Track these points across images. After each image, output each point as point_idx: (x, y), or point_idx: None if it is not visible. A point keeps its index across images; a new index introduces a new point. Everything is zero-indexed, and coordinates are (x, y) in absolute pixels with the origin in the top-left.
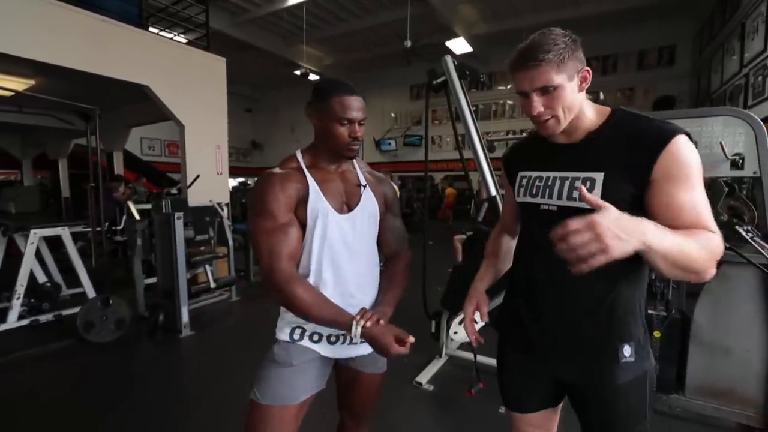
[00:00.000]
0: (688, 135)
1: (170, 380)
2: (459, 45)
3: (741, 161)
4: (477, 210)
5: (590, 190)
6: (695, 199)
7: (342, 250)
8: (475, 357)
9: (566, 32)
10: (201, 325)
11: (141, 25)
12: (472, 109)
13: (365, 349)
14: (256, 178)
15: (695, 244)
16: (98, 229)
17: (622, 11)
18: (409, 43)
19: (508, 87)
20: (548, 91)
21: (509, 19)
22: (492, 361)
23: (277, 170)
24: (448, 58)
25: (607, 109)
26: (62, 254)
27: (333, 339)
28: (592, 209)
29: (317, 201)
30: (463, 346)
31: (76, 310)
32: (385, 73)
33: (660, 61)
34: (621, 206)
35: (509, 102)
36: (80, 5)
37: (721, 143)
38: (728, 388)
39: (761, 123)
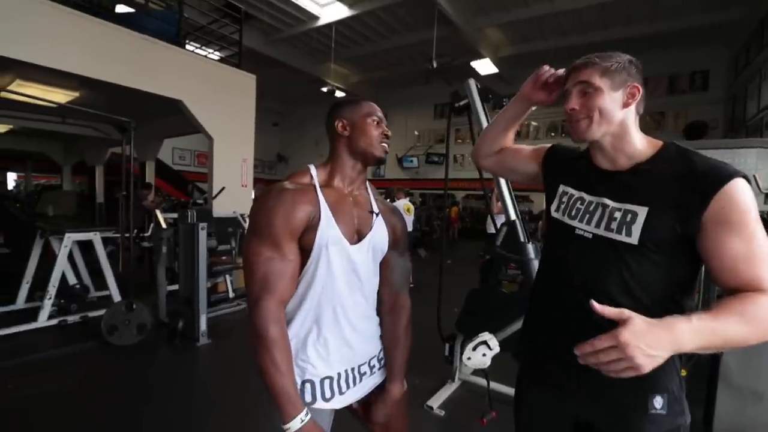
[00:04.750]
0: (746, 179)
1: (185, 387)
2: (484, 66)
3: None
4: (496, 235)
5: (630, 223)
6: (752, 250)
7: (348, 284)
8: (488, 384)
9: (630, 57)
10: (218, 334)
11: (178, 43)
12: None
13: (375, 380)
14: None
15: (740, 326)
16: (127, 235)
17: (652, 35)
18: (435, 64)
19: (533, 108)
20: (587, 92)
21: (536, 41)
22: (506, 389)
23: (288, 185)
24: (472, 82)
25: (659, 142)
26: (93, 257)
27: (344, 388)
28: (626, 244)
29: (329, 228)
30: (477, 371)
31: (101, 312)
32: (409, 92)
33: (692, 86)
34: (663, 244)
35: (533, 123)
36: (123, 24)
37: (754, 176)
38: None
39: None
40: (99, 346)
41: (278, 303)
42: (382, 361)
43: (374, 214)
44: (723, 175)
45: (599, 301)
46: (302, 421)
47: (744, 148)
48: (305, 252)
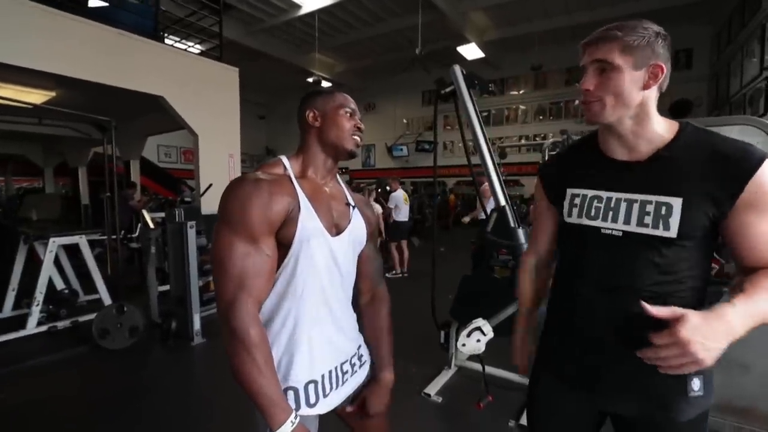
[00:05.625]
0: None
1: (181, 388)
2: (471, 50)
3: None
4: (486, 219)
5: (666, 216)
6: None
7: (330, 279)
8: (483, 369)
9: (658, 28)
10: (213, 333)
11: (156, 37)
12: (484, 114)
13: (357, 379)
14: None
15: None
16: (114, 236)
17: (636, 15)
18: (419, 50)
19: (521, 92)
20: (605, 71)
21: (521, 24)
22: (501, 373)
23: (262, 176)
24: (457, 68)
25: (676, 124)
26: (80, 260)
27: (328, 390)
28: (663, 238)
29: (309, 219)
30: (472, 357)
31: (92, 316)
32: (396, 80)
33: (677, 64)
34: (698, 232)
35: (521, 107)
36: (98, 20)
37: None
38: (748, 405)
39: None
40: (91, 350)
41: (255, 303)
42: (362, 358)
43: (351, 207)
44: (754, 160)
45: (630, 296)
46: (293, 424)
47: (727, 125)
48: (283, 247)
